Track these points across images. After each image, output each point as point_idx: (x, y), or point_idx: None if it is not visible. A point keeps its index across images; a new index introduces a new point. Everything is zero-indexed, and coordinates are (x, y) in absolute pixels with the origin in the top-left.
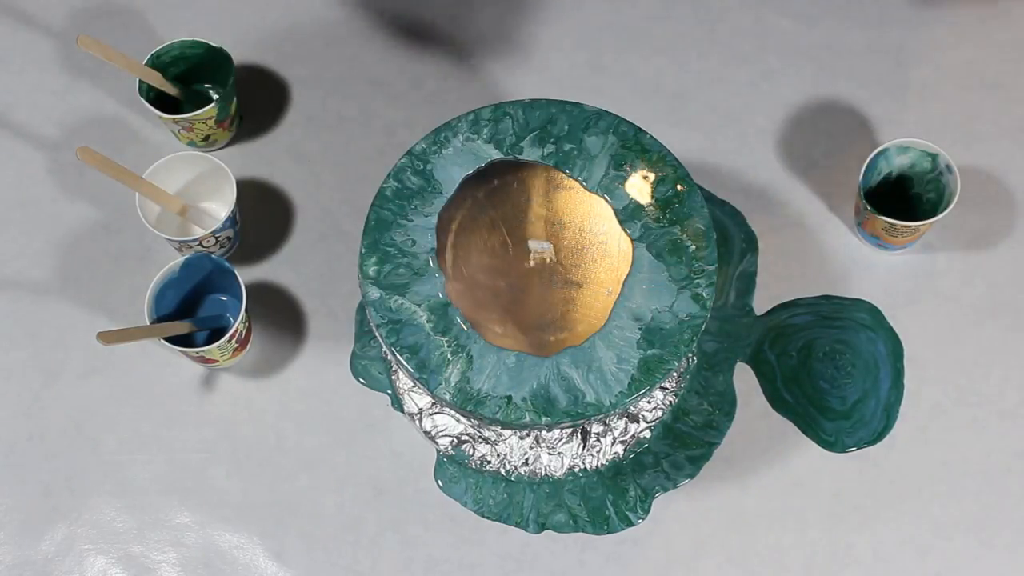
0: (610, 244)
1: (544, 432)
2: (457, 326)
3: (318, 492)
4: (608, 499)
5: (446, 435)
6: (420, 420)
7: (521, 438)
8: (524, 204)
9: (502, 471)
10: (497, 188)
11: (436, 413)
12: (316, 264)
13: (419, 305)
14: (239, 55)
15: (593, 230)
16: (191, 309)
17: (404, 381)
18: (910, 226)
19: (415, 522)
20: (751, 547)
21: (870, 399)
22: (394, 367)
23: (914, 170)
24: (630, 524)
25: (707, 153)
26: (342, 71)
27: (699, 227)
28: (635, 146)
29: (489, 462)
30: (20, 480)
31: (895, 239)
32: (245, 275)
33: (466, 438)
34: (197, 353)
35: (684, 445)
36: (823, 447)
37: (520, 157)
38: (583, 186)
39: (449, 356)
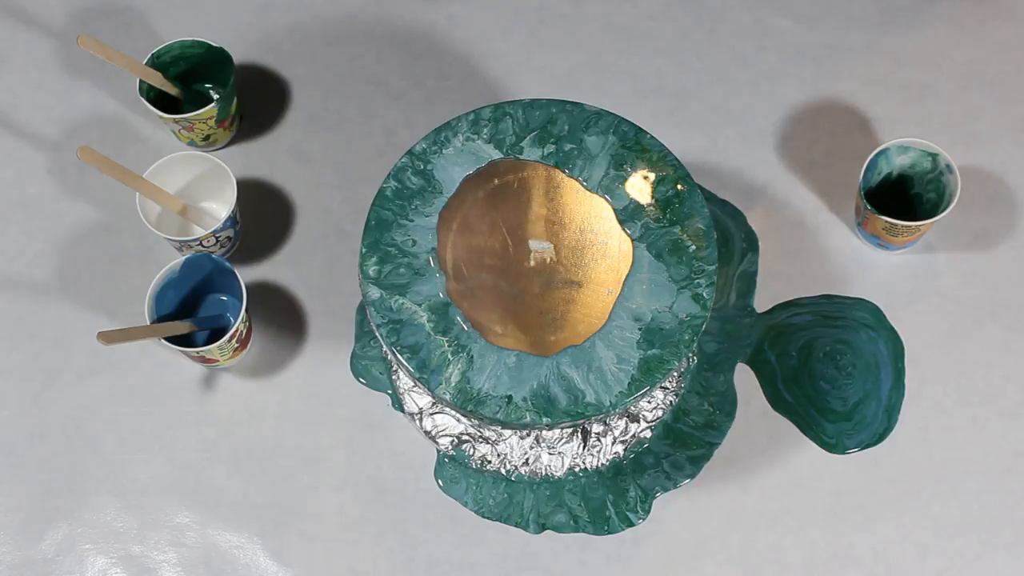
0: (610, 244)
1: (544, 432)
2: (457, 326)
3: (318, 492)
4: (608, 499)
5: (446, 435)
6: (420, 420)
7: (521, 438)
8: (524, 204)
9: (502, 471)
10: (497, 188)
11: (436, 413)
12: (316, 264)
13: (419, 305)
14: (239, 55)
15: (593, 230)
16: (191, 309)
17: (404, 381)
18: (910, 226)
19: (415, 522)
20: (751, 547)
21: (871, 400)
22: (394, 367)
23: (914, 170)
24: (630, 524)
25: (707, 153)
26: (342, 71)
27: (699, 227)
28: (635, 146)
29: (489, 462)
30: (20, 480)
31: (895, 239)
32: (245, 275)
33: (466, 438)
34: (197, 353)
35: (684, 445)
36: (824, 448)
37: (520, 157)
38: (583, 186)
39: (450, 356)
